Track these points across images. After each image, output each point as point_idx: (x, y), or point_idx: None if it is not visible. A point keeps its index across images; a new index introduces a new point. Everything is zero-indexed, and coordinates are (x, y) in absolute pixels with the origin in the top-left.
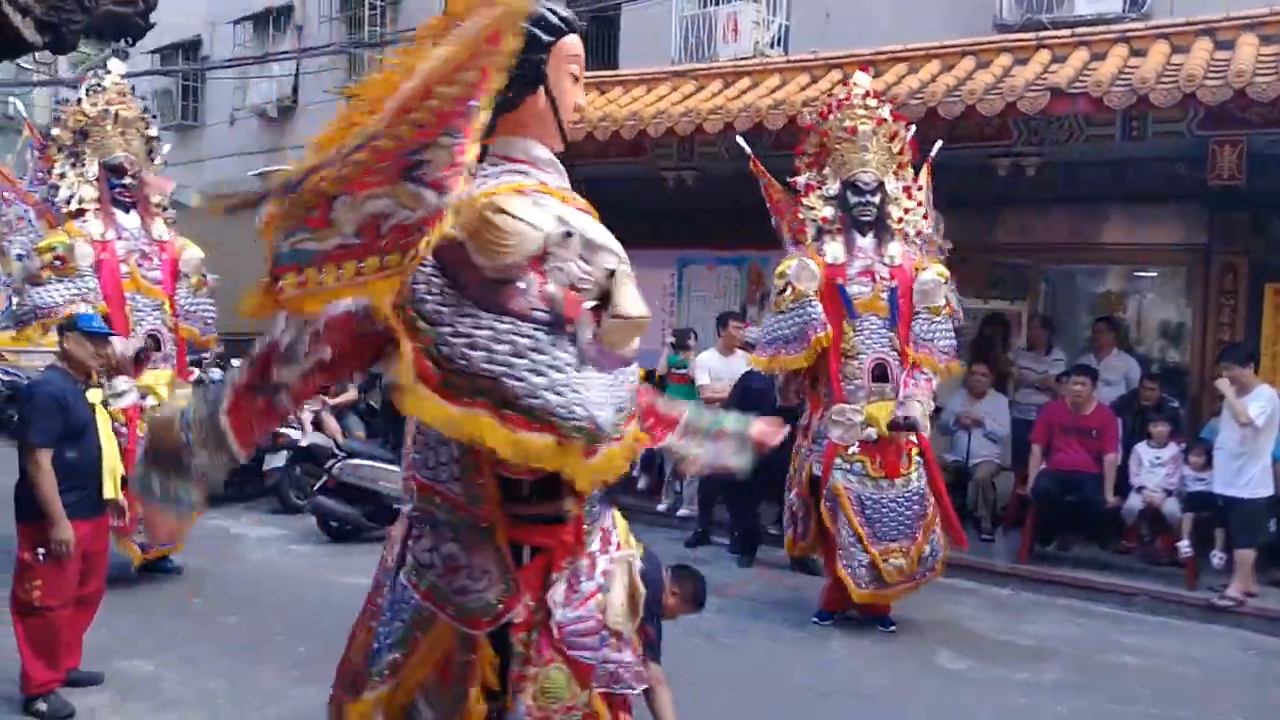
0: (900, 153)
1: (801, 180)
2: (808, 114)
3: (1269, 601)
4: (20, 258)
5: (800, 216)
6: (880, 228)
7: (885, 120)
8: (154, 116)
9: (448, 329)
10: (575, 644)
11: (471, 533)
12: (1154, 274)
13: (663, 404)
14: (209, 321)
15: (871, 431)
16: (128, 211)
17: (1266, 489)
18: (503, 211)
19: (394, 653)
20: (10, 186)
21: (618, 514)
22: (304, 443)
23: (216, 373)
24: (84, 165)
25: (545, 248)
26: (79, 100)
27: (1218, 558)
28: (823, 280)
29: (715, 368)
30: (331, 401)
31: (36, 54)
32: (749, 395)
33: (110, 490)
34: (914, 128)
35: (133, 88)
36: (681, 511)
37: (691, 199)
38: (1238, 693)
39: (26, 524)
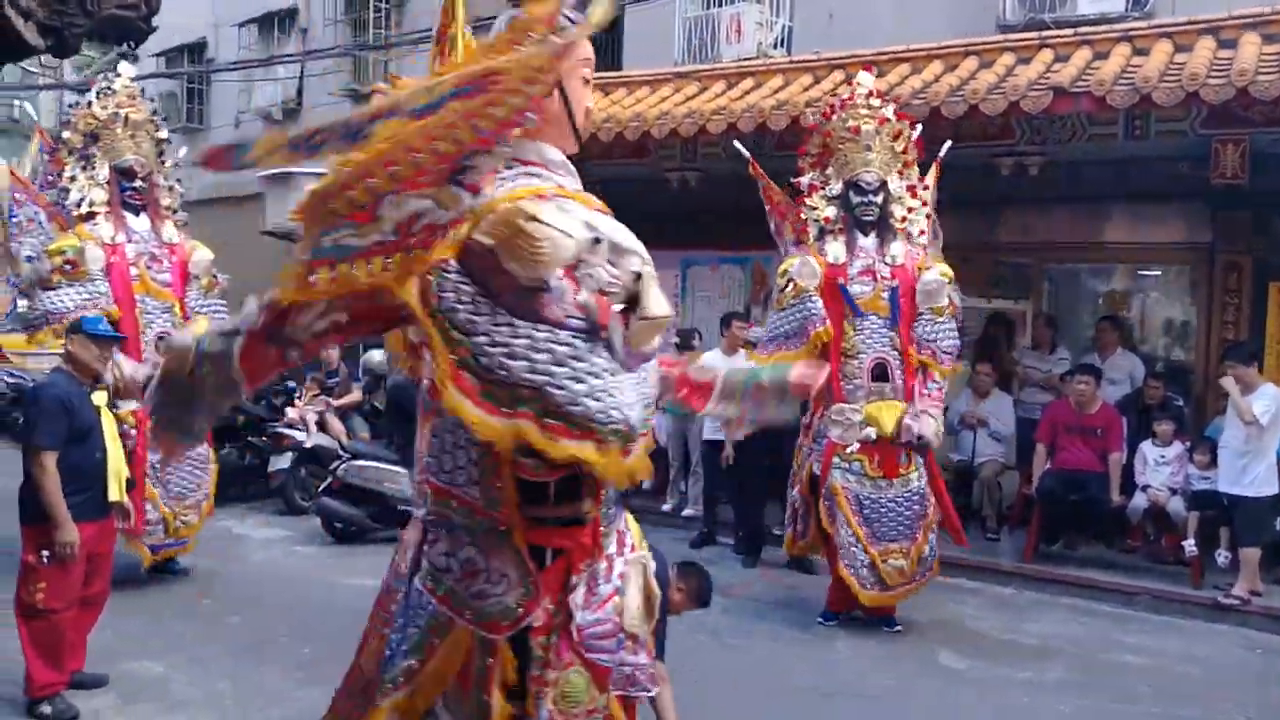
0: (904, 152)
1: (805, 180)
2: (811, 114)
3: (1274, 600)
4: (30, 259)
5: (803, 217)
6: (883, 227)
7: (888, 120)
8: (163, 119)
9: (484, 338)
10: (593, 647)
11: (489, 536)
12: (1158, 273)
13: (695, 371)
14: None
15: (870, 431)
16: (138, 214)
17: (1271, 487)
18: (535, 219)
19: (409, 659)
20: (22, 188)
21: (629, 516)
22: (309, 444)
23: None
24: (94, 168)
25: (578, 254)
26: (89, 103)
27: (1223, 556)
28: (824, 279)
29: (719, 368)
30: (336, 403)
31: (42, 58)
32: None
33: (115, 492)
34: (920, 127)
35: (142, 90)
36: (686, 512)
37: (695, 200)
38: (1242, 692)
39: (31, 526)
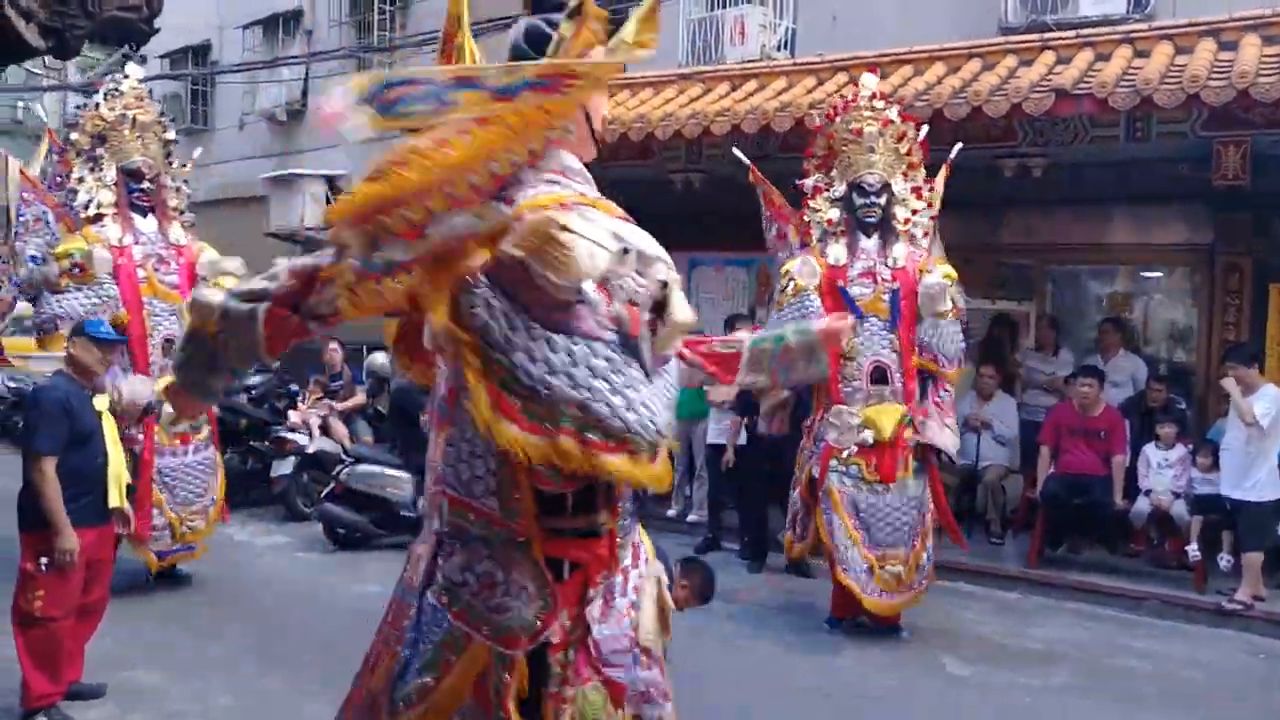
0: (909, 154)
1: (809, 183)
2: (815, 116)
3: (1277, 606)
4: (34, 259)
5: (805, 219)
6: (886, 229)
7: (892, 122)
8: (171, 120)
9: (523, 355)
10: (610, 662)
11: (507, 548)
12: (1160, 274)
13: (720, 345)
14: None
15: (868, 435)
16: (145, 216)
17: (1274, 492)
18: (568, 230)
19: (423, 676)
20: (31, 188)
21: (641, 527)
22: (311, 449)
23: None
24: (101, 170)
25: (610, 265)
26: (96, 105)
27: (1225, 561)
28: (824, 280)
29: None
30: (339, 406)
31: (45, 59)
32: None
33: (115, 498)
34: (926, 128)
35: (150, 92)
36: (691, 517)
37: (699, 201)
38: (1245, 697)
39: (30, 532)
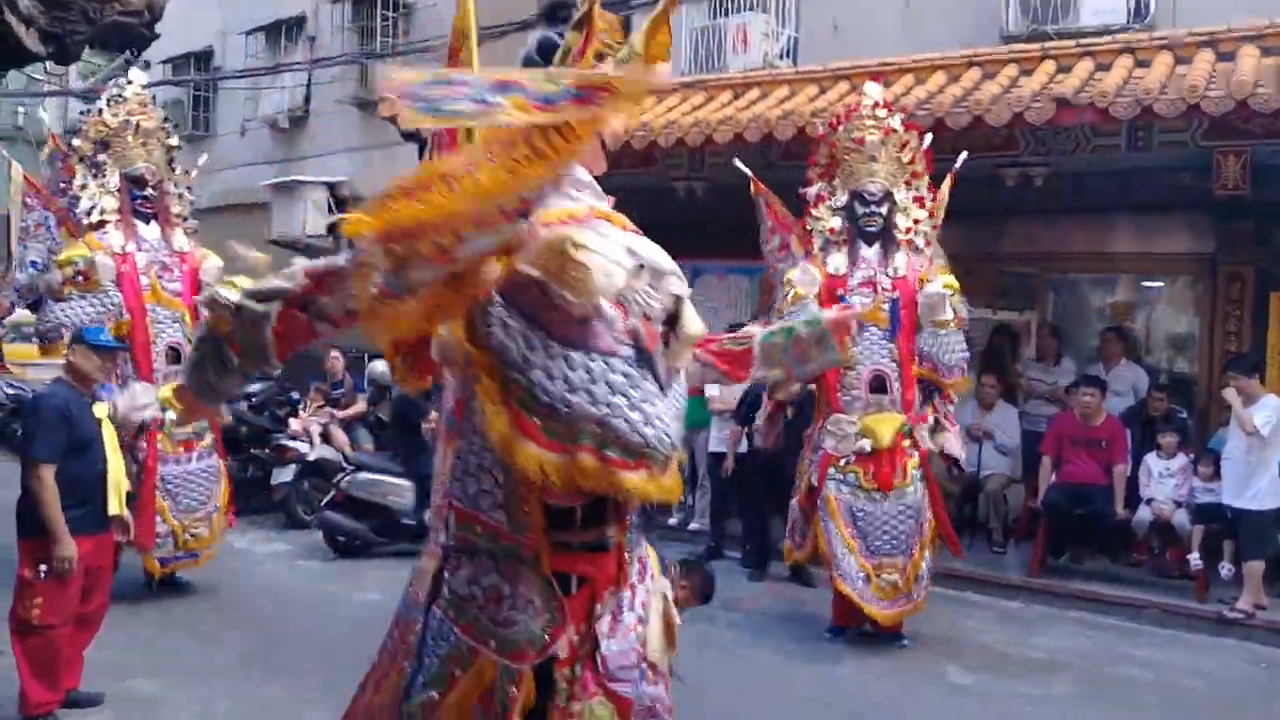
0: (911, 162)
1: (812, 192)
2: (817, 124)
3: (1278, 614)
4: (34, 264)
5: (807, 227)
6: (886, 238)
7: (894, 130)
8: (174, 126)
9: (541, 373)
10: (617, 677)
11: (514, 562)
12: (1161, 284)
13: (730, 342)
14: None
15: (865, 443)
16: (148, 223)
17: (1275, 501)
18: (583, 247)
19: (429, 691)
20: (35, 193)
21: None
22: (312, 456)
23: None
24: (105, 176)
25: (626, 281)
26: (100, 111)
27: (1226, 569)
28: (823, 288)
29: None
30: (340, 414)
31: (46, 65)
32: (757, 404)
33: (115, 506)
34: (930, 136)
35: (154, 97)
36: (693, 525)
37: (702, 209)
38: (1247, 706)
39: (28, 540)
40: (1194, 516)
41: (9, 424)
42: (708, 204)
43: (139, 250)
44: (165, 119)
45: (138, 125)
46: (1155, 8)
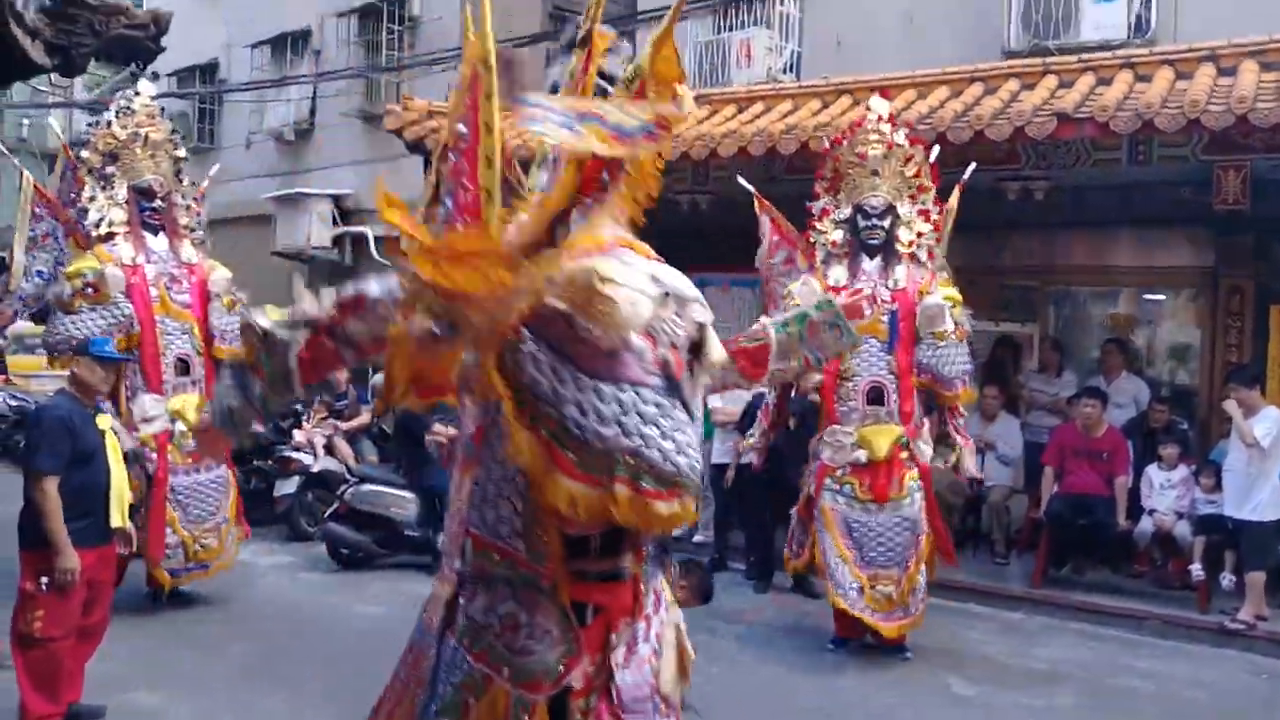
0: (916, 176)
1: (817, 206)
2: (820, 138)
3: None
4: (40, 273)
5: (811, 240)
6: (888, 251)
7: (898, 145)
8: (182, 137)
9: (573, 407)
10: (631, 709)
11: (532, 590)
12: (1162, 297)
13: (745, 339)
14: None
15: (861, 454)
16: (156, 234)
17: (1276, 512)
18: (610, 280)
19: (443, 719)
20: (45, 203)
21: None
22: (316, 468)
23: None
24: (113, 188)
25: (654, 312)
26: (108, 123)
27: (1227, 580)
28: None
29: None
30: (344, 426)
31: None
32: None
33: (117, 518)
34: (936, 149)
35: (162, 109)
36: (697, 537)
37: (706, 221)
38: (1248, 717)
39: (30, 552)
40: (1195, 528)
41: (11, 436)
42: (711, 216)
43: (148, 262)
44: (173, 131)
45: (146, 137)
46: (1156, 23)
